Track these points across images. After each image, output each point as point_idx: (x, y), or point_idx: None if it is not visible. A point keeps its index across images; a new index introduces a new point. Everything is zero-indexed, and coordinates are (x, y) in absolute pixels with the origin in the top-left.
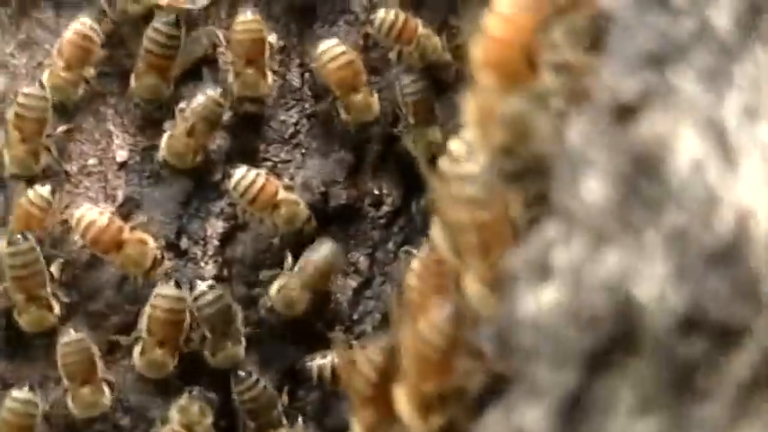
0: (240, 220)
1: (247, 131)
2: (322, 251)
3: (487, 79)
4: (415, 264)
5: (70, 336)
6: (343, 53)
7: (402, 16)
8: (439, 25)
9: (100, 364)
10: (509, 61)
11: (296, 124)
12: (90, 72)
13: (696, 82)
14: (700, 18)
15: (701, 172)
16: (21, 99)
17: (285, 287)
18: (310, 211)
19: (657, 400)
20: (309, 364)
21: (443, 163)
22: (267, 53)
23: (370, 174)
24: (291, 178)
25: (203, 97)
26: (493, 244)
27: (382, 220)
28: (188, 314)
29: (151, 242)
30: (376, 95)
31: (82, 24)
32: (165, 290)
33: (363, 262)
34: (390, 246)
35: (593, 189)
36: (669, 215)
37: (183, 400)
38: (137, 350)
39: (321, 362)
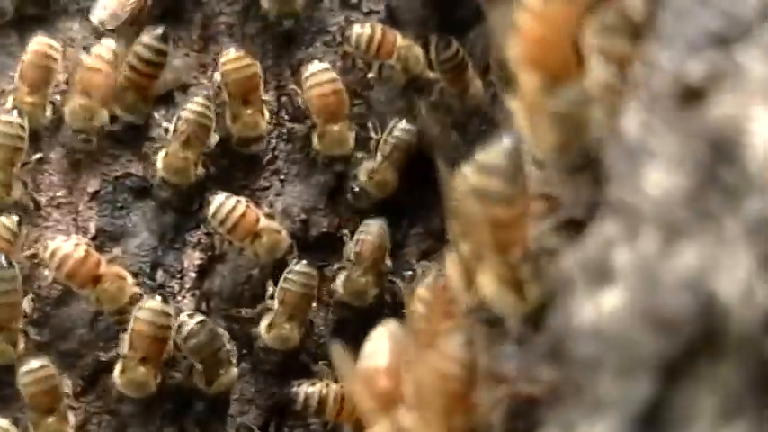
0: (218, 251)
1: (223, 158)
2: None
3: (531, 79)
4: (421, 290)
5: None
6: (332, 80)
7: (379, 29)
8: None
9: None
10: (551, 59)
11: (273, 149)
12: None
13: (764, 61)
14: None
15: None
16: None
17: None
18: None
19: (743, 404)
20: (296, 390)
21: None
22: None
23: (353, 199)
24: (271, 206)
25: (192, 104)
26: (511, 241)
27: None
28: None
29: (129, 278)
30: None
31: (39, 44)
32: (151, 303)
33: None
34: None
35: (661, 180)
36: (749, 202)
37: None
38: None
39: (309, 389)
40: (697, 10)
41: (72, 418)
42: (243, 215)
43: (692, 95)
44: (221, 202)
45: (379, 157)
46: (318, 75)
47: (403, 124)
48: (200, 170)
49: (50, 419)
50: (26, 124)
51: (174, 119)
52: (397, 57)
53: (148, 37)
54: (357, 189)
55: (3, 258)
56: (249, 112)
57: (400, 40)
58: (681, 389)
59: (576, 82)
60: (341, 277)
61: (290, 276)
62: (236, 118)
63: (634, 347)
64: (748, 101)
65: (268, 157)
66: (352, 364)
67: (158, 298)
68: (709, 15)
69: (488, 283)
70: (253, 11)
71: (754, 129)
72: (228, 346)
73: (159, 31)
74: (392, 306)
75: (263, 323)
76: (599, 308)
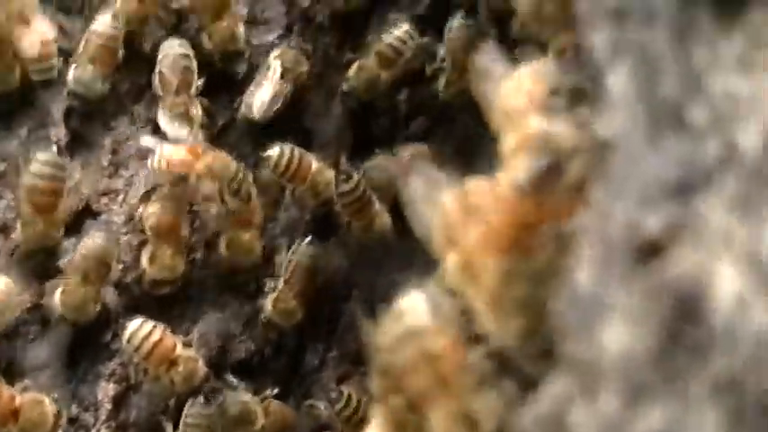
0: (133, 381)
1: (136, 284)
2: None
3: (493, 266)
4: None
5: None
6: None
7: (297, 153)
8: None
9: None
10: (514, 243)
11: (189, 274)
12: None
13: (728, 211)
14: (725, 139)
15: (747, 310)
16: None
17: None
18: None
19: None
20: None
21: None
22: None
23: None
24: (187, 333)
25: (90, 239)
26: (452, 378)
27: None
28: None
29: (46, 399)
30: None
31: None
32: None
33: None
34: (291, 402)
35: (621, 338)
36: (715, 361)
37: None
38: None
39: None
40: (651, 156)
41: None
42: (159, 341)
43: (649, 250)
44: (137, 327)
45: (281, 283)
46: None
47: (303, 248)
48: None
49: None
50: None
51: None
52: (309, 181)
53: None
54: (265, 320)
55: None
56: (168, 252)
57: (314, 164)
58: None
59: (537, 263)
60: None
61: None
62: (154, 260)
63: None
64: (710, 254)
65: (183, 283)
66: None
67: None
68: (665, 163)
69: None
70: (164, 134)
71: (718, 284)
72: None
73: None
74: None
75: None
76: None
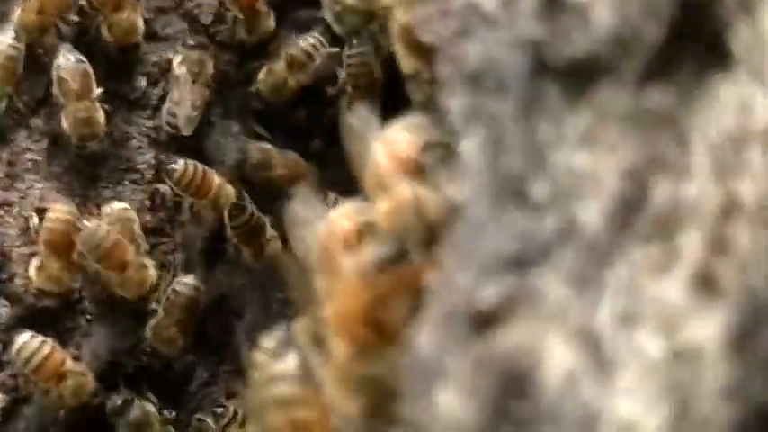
0: (23, 393)
1: (28, 297)
2: None
3: (342, 346)
4: None
5: None
6: None
7: (201, 168)
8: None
9: None
10: (358, 332)
11: (80, 290)
12: None
13: (564, 286)
14: (565, 215)
15: (575, 386)
16: None
17: None
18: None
19: None
20: None
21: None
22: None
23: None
24: (77, 347)
25: None
26: None
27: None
28: None
29: None
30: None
31: None
32: None
33: None
34: (182, 415)
35: (452, 404)
36: None
37: None
38: None
39: None
40: (492, 227)
41: None
42: (48, 356)
43: (484, 321)
44: (26, 341)
45: (161, 312)
46: None
47: (185, 278)
48: None
49: None
50: None
51: None
52: (212, 195)
53: None
54: (148, 348)
55: None
56: (56, 265)
57: (216, 179)
58: None
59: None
60: None
61: None
62: (42, 269)
63: None
64: (544, 327)
65: (74, 296)
66: None
67: None
68: (505, 236)
69: None
70: (60, 148)
71: (549, 359)
72: None
73: None
74: None
75: None
76: None
